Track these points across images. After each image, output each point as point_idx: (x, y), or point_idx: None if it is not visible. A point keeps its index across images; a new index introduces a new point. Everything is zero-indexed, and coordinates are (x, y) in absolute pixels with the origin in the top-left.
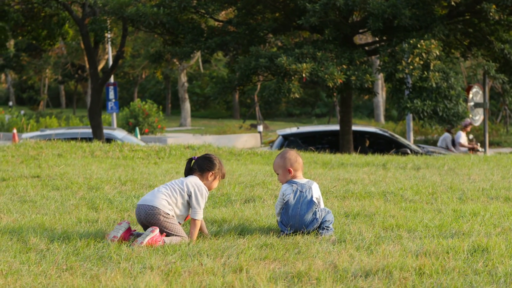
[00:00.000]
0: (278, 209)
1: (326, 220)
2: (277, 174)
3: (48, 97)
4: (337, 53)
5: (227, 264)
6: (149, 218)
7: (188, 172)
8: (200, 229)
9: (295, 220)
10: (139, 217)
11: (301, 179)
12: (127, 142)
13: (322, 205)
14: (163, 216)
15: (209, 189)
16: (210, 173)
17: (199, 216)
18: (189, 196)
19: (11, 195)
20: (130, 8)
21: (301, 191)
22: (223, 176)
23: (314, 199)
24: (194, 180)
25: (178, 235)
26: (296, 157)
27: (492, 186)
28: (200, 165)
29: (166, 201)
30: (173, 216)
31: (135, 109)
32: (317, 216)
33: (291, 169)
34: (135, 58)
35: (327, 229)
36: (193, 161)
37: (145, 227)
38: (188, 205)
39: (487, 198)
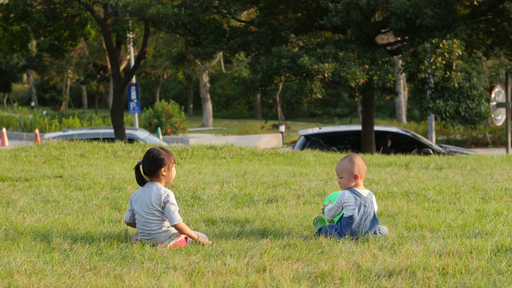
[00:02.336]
0: (331, 214)
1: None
2: (340, 177)
3: (70, 98)
4: (359, 53)
5: (250, 264)
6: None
7: (141, 179)
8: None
9: (357, 236)
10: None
11: (363, 189)
12: (149, 142)
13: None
14: (173, 241)
15: (169, 182)
16: (163, 169)
17: (177, 219)
18: (163, 208)
19: (34, 195)
20: (151, 9)
21: (364, 206)
22: (174, 161)
23: (376, 215)
24: (156, 193)
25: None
26: (364, 164)
27: None
28: (150, 169)
29: (164, 230)
30: (174, 232)
31: (158, 110)
32: (378, 233)
33: (358, 175)
34: (156, 58)
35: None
36: (141, 166)
37: None
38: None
39: (510, 198)
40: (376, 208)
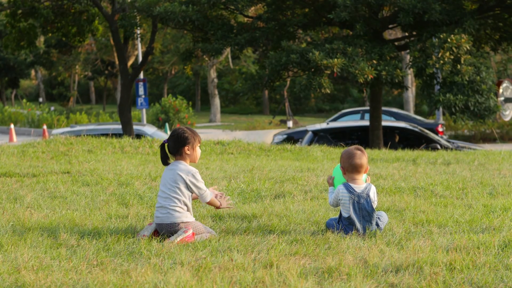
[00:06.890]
0: (331, 205)
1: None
2: None
3: (78, 93)
4: (367, 49)
5: (257, 259)
6: (172, 232)
7: (165, 158)
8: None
9: (358, 231)
10: (161, 232)
11: (360, 184)
12: (157, 138)
13: (375, 204)
14: (183, 225)
15: (195, 161)
16: (186, 148)
17: (208, 196)
18: (187, 185)
19: (41, 191)
20: (159, 6)
21: (358, 202)
22: (199, 141)
23: (374, 208)
24: (180, 169)
25: (206, 232)
26: (354, 158)
27: None
28: (174, 147)
29: (178, 210)
30: (190, 219)
31: (165, 105)
32: (381, 226)
33: (343, 168)
34: (164, 54)
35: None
36: (166, 145)
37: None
38: (189, 190)
39: None
40: (374, 198)
